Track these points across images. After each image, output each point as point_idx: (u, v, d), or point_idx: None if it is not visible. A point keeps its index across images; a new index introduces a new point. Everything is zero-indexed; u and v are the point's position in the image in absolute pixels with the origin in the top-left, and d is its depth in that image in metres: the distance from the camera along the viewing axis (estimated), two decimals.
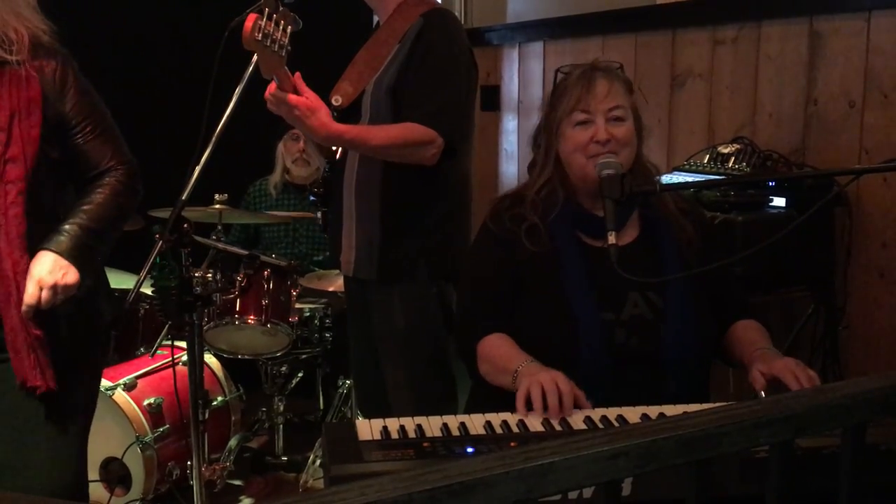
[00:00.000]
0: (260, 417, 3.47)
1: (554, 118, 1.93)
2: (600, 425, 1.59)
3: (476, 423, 1.60)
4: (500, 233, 1.95)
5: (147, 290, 3.17)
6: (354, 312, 2.61)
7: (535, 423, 1.60)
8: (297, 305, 3.34)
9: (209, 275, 2.79)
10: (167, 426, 3.02)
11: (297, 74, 2.06)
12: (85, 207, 1.93)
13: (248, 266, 3.23)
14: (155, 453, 2.94)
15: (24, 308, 1.82)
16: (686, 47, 3.22)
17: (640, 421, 1.58)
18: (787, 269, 2.56)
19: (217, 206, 3.32)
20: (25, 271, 1.84)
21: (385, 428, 1.55)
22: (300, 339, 3.34)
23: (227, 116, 2.02)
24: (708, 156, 2.80)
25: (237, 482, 3.25)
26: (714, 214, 2.47)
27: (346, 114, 2.34)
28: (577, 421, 1.61)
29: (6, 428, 1.93)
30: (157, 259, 2.07)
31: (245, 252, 3.20)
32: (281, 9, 1.92)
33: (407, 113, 2.25)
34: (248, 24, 1.87)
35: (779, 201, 2.58)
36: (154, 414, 3.00)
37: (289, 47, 1.93)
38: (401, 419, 1.59)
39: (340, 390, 3.49)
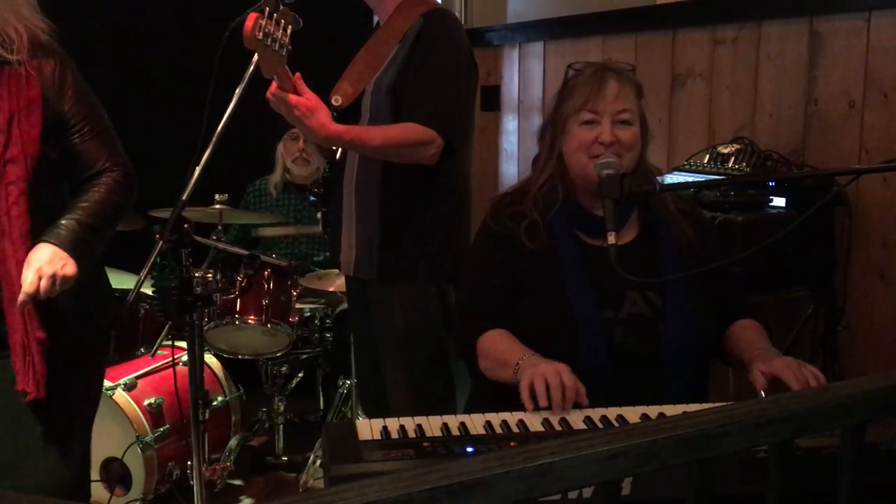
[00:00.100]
0: (260, 417, 3.47)
1: (561, 114, 1.93)
2: (600, 425, 1.59)
3: (476, 422, 1.60)
4: (500, 231, 1.95)
5: (147, 290, 3.20)
6: (355, 312, 2.61)
7: (534, 423, 1.60)
8: (298, 305, 3.34)
9: (209, 275, 2.78)
10: (167, 426, 3.02)
11: (297, 75, 2.06)
12: (82, 204, 1.92)
13: (248, 266, 3.24)
14: (155, 453, 2.95)
15: (21, 297, 1.77)
16: (686, 47, 3.22)
17: (639, 421, 1.58)
18: (787, 269, 2.56)
19: (217, 206, 3.32)
20: None
21: (385, 428, 1.56)
22: (300, 339, 3.35)
23: (228, 116, 2.02)
24: (708, 156, 2.80)
25: (237, 482, 3.25)
26: (714, 214, 2.47)
27: (346, 114, 2.34)
28: (576, 421, 1.62)
29: (5, 425, 1.93)
30: (158, 259, 2.07)
31: (245, 252, 3.20)
32: (281, 8, 1.93)
33: (407, 113, 2.25)
34: (249, 23, 1.87)
35: (779, 201, 2.58)
36: (154, 414, 3.00)
37: (289, 46, 1.94)
38: (401, 419, 1.59)
39: (340, 390, 3.49)
